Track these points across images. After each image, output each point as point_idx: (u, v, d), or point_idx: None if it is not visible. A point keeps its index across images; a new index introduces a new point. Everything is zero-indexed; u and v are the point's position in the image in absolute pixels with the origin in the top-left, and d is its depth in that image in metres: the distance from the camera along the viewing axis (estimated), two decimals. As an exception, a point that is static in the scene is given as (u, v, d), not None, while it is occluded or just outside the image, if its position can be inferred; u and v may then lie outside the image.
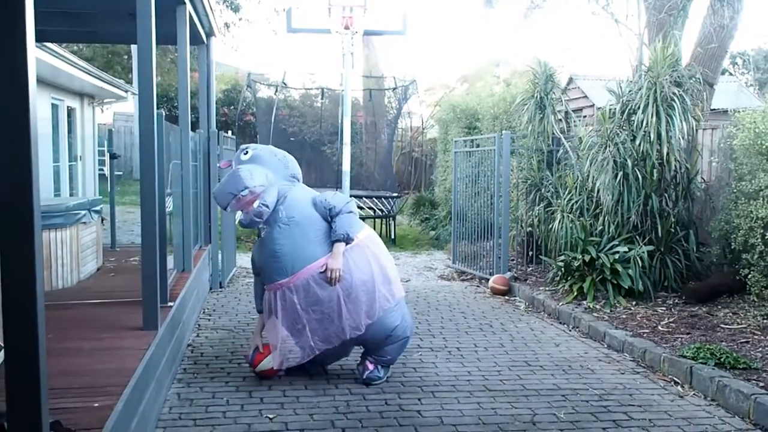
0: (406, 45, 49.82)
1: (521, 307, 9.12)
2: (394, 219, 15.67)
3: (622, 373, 6.31)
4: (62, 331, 5.44)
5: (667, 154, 8.41)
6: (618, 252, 8.49)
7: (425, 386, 5.86)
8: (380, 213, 15.81)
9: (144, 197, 5.55)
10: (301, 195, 5.79)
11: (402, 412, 5.27)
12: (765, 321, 7.16)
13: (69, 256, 7.33)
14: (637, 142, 8.52)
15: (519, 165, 11.08)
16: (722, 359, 5.98)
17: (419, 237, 16.07)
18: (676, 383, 6.00)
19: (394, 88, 18.91)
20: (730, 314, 7.58)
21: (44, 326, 2.70)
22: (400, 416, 5.18)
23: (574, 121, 10.80)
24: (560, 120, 10.56)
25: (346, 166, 11.14)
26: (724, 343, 6.58)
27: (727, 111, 9.46)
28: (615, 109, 9.02)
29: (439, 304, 9.27)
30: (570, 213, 9.30)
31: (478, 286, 10.57)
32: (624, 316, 7.83)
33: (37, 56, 9.27)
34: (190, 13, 8.20)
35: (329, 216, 5.61)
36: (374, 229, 14.68)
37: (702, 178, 9.15)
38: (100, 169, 17.99)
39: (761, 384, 5.49)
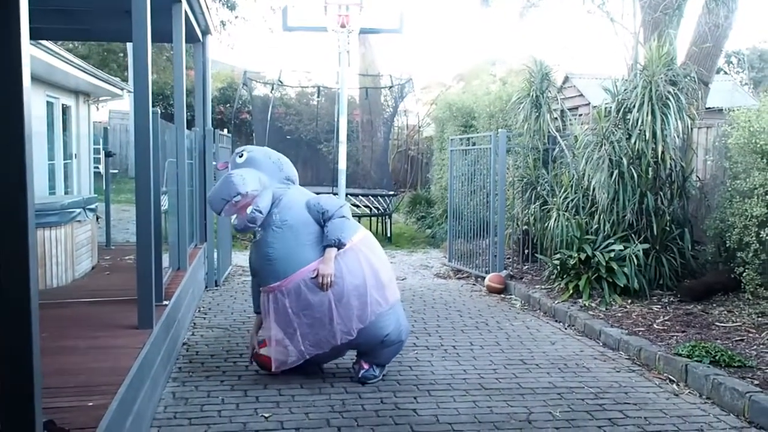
0: (402, 43, 49.83)
1: (517, 305, 9.13)
2: (390, 217, 15.68)
3: (618, 372, 6.32)
4: (57, 329, 5.43)
5: (663, 152, 8.42)
6: (613, 250, 8.50)
7: (421, 385, 5.86)
8: (376, 211, 15.81)
9: (139, 195, 5.54)
10: (295, 198, 5.77)
11: (398, 410, 5.27)
12: (760, 319, 7.17)
13: (64, 254, 7.32)
14: (633, 141, 8.53)
15: (515, 163, 11.09)
16: (717, 357, 5.99)
17: (415, 235, 16.07)
18: (672, 381, 6.01)
19: (391, 87, 18.89)
20: (725, 312, 7.59)
21: (38, 325, 2.70)
22: (396, 415, 5.17)
23: (570, 120, 10.81)
24: (556, 118, 10.57)
25: (342, 165, 11.13)
26: (719, 341, 6.59)
27: (722, 110, 9.49)
28: (610, 107, 9.02)
29: (435, 302, 9.27)
30: (566, 211, 9.30)
31: (474, 285, 10.58)
32: (619, 315, 7.84)
33: (32, 54, 9.28)
34: (185, 11, 8.19)
35: (322, 220, 5.60)
36: (370, 227, 14.74)
37: (697, 176, 9.17)
38: (95, 167, 17.96)
39: (756, 382, 5.50)
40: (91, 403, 3.85)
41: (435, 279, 11.16)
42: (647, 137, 8.39)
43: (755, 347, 6.41)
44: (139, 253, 5.54)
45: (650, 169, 8.65)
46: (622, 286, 8.33)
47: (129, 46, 20.98)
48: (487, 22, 48.73)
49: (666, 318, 7.57)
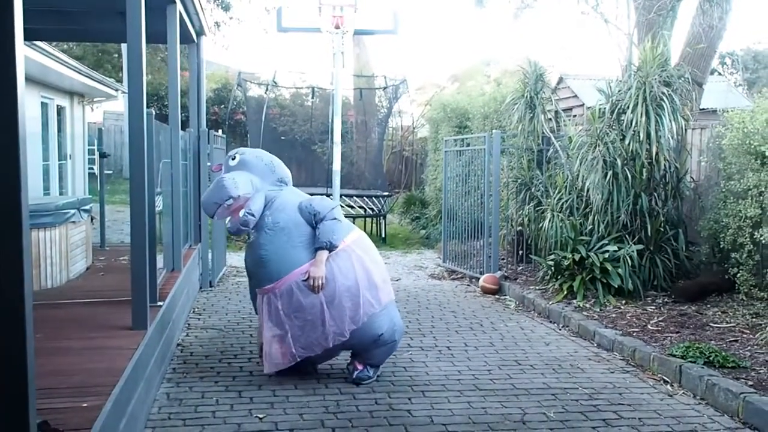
0: (397, 44, 49.82)
1: (511, 306, 9.13)
2: (384, 218, 15.67)
3: (612, 372, 6.32)
4: (51, 330, 5.42)
5: (657, 153, 8.43)
6: (608, 251, 8.51)
7: (415, 385, 5.86)
8: (371, 212, 15.81)
9: (133, 196, 5.53)
10: (288, 200, 5.78)
11: (392, 411, 5.27)
12: (754, 320, 7.19)
13: (58, 255, 7.30)
14: (627, 142, 8.54)
15: (509, 164, 11.10)
16: (711, 358, 6.00)
17: (410, 236, 16.08)
18: (666, 382, 6.02)
19: (385, 87, 18.90)
20: (719, 313, 7.61)
21: (32, 326, 2.69)
22: (390, 416, 5.18)
23: (564, 121, 10.82)
24: (550, 119, 10.58)
25: (337, 166, 11.12)
26: (713, 341, 6.60)
27: (716, 111, 9.50)
28: (605, 108, 9.04)
29: (430, 303, 9.28)
30: (560, 212, 9.32)
31: (468, 285, 10.58)
32: (614, 315, 7.85)
33: (26, 54, 9.24)
34: (180, 12, 8.18)
35: (314, 221, 5.61)
36: (364, 228, 14.73)
37: (691, 177, 9.18)
38: (89, 168, 17.92)
39: (750, 383, 5.52)
40: (85, 404, 3.84)
41: (429, 280, 11.16)
42: (641, 138, 8.41)
43: (749, 348, 6.43)
44: (133, 254, 5.53)
45: (644, 170, 8.66)
46: (616, 286, 8.34)
47: (124, 47, 20.91)
48: (482, 22, 48.80)
49: (660, 319, 7.59)
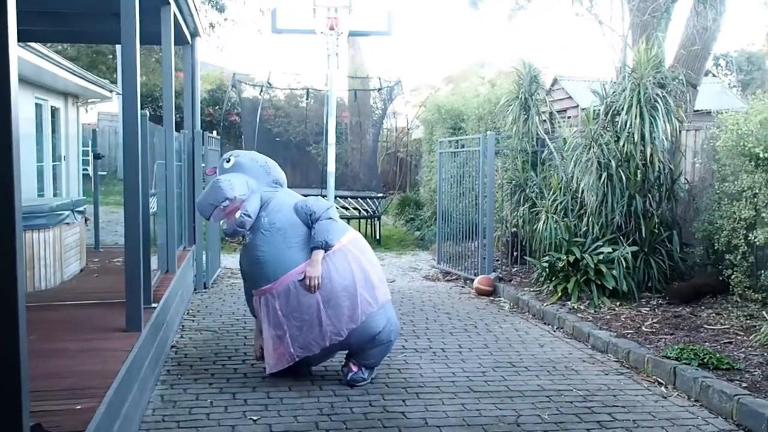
0: (391, 45, 49.82)
1: (506, 307, 9.13)
2: (379, 219, 15.68)
3: (606, 374, 6.33)
4: (45, 332, 5.41)
5: (651, 155, 8.44)
6: (602, 253, 8.52)
7: (410, 387, 5.85)
8: (365, 213, 15.81)
9: (128, 198, 5.52)
10: (283, 200, 5.79)
11: (386, 413, 5.27)
12: (748, 321, 7.20)
13: (52, 256, 7.29)
14: (621, 143, 8.55)
15: (504, 166, 11.11)
16: (705, 360, 6.01)
17: (404, 237, 16.08)
18: (660, 384, 6.03)
19: (380, 89, 18.91)
20: (714, 315, 7.62)
21: (26, 327, 2.68)
22: (385, 418, 5.17)
23: (559, 122, 10.83)
24: (545, 121, 10.59)
25: (331, 167, 11.14)
26: (707, 343, 6.61)
27: (710, 112, 9.52)
28: (599, 110, 9.05)
29: (424, 304, 9.27)
30: (554, 214, 9.32)
31: (462, 287, 10.59)
32: (608, 317, 7.86)
33: (20, 56, 9.24)
34: (174, 13, 8.17)
35: (310, 221, 5.61)
36: (359, 229, 14.71)
37: (685, 179, 9.19)
38: (84, 169, 17.90)
39: (744, 384, 5.52)
40: (79, 407, 3.83)
41: (424, 281, 11.16)
42: (636, 140, 8.41)
43: (743, 350, 6.44)
44: (127, 256, 5.52)
45: (639, 171, 8.67)
46: (610, 288, 8.35)
47: (118, 48, 20.90)
48: (476, 24, 48.83)
49: (654, 320, 7.59)
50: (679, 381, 5.88)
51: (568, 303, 8.41)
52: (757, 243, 7.27)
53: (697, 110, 10.29)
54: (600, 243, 8.68)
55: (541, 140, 10.39)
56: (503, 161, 11.10)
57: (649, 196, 8.80)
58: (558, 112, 11.62)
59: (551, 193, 9.67)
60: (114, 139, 25.62)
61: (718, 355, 6.08)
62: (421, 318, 8.45)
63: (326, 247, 5.55)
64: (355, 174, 19.27)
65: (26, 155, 12.36)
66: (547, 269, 9.05)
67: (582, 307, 8.26)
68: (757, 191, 7.39)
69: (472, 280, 10.32)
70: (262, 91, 18.65)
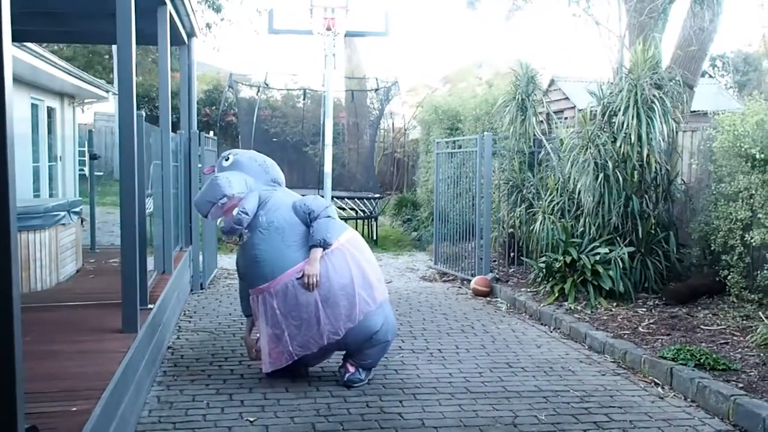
0: (388, 46, 49.84)
1: (503, 308, 9.13)
2: (376, 220, 15.67)
3: (603, 375, 6.33)
4: (40, 333, 5.40)
5: (648, 155, 8.44)
6: (599, 253, 8.52)
7: (406, 388, 5.85)
8: (362, 214, 15.80)
9: (124, 198, 5.51)
10: (281, 199, 5.79)
11: (383, 414, 5.26)
12: (744, 322, 7.20)
13: (48, 257, 7.27)
14: (618, 144, 8.55)
15: (501, 166, 11.11)
16: (702, 360, 6.01)
17: (401, 238, 16.07)
18: (657, 384, 6.03)
19: (377, 89, 18.90)
20: (710, 315, 7.62)
21: (21, 328, 2.67)
22: (382, 419, 5.17)
23: (556, 123, 10.84)
24: (542, 121, 10.60)
25: (328, 168, 11.12)
26: (703, 344, 6.61)
27: (706, 113, 9.53)
28: (596, 111, 9.05)
29: (421, 305, 9.27)
30: (551, 214, 9.32)
31: (459, 288, 10.58)
32: (605, 318, 7.86)
33: (16, 56, 9.23)
34: (171, 14, 8.16)
35: (308, 220, 5.61)
36: (356, 230, 14.68)
37: (682, 179, 9.20)
38: (80, 170, 17.87)
39: (740, 385, 5.53)
40: (74, 408, 3.82)
41: (421, 282, 11.16)
42: (632, 140, 8.42)
43: (740, 350, 6.44)
44: (123, 256, 5.51)
45: (635, 172, 8.68)
46: (607, 289, 8.35)
47: (114, 48, 20.88)
48: (474, 24, 48.86)
49: (651, 321, 7.59)
50: (676, 381, 5.88)
51: (565, 304, 8.41)
52: (754, 244, 7.28)
53: (694, 111, 10.30)
54: (597, 244, 8.69)
55: (538, 141, 10.39)
56: (500, 162, 11.10)
57: (646, 196, 8.80)
58: (555, 112, 11.63)
59: (548, 193, 9.68)
60: (110, 139, 25.56)
61: (714, 356, 6.08)
62: (418, 319, 8.44)
63: (325, 245, 5.55)
64: (352, 174, 19.26)
65: (22, 156, 12.34)
66: (544, 270, 9.05)
67: (579, 307, 8.26)
68: (754, 192, 7.40)
69: (469, 281, 10.32)
70: (259, 91, 18.63)
